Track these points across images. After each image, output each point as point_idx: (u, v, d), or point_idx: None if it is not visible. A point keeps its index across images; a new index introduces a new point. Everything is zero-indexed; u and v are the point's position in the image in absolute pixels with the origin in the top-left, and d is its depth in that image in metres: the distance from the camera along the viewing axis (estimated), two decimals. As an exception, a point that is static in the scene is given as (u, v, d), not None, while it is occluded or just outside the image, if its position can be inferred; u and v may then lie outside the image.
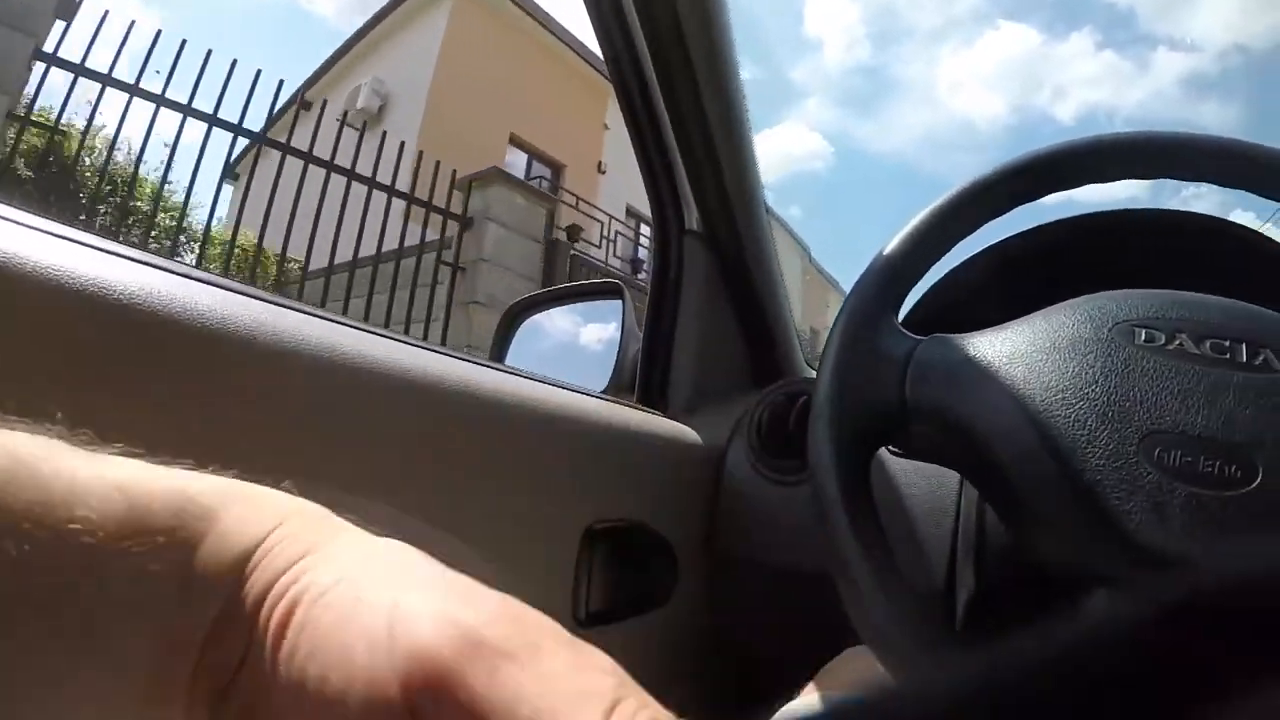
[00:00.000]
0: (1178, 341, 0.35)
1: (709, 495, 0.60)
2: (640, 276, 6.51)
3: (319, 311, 0.39)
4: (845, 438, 0.37)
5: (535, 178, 6.92)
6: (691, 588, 0.58)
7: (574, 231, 6.43)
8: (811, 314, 10.74)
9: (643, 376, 0.68)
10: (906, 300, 0.52)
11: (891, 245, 0.42)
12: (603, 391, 0.73)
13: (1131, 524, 0.31)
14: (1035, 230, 0.51)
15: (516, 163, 7.16)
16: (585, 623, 0.48)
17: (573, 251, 5.33)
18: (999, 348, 0.37)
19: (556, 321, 0.88)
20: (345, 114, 4.21)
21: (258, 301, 0.35)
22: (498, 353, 0.84)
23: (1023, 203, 0.42)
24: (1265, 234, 0.49)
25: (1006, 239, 0.51)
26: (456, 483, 0.40)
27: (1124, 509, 0.31)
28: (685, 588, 0.57)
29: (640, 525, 0.55)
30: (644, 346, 0.68)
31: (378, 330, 0.41)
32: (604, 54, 0.62)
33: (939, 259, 0.42)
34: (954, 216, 0.42)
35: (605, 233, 6.57)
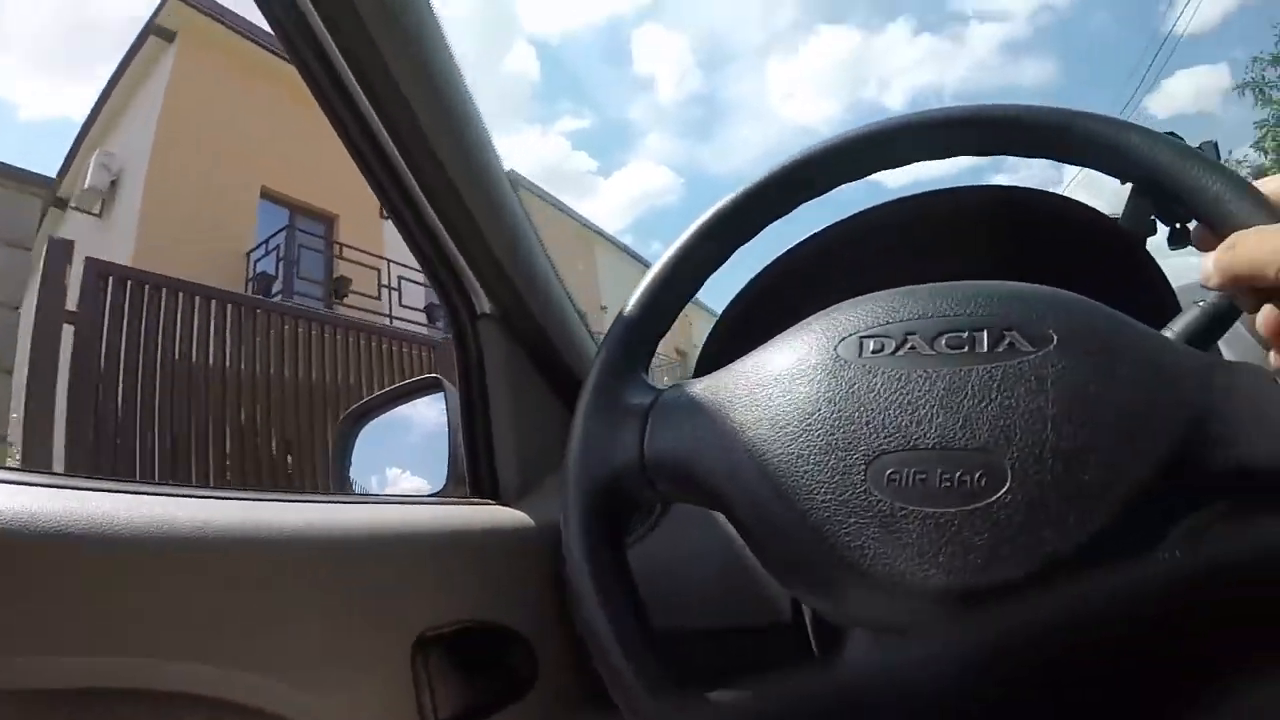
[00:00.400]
0: (909, 345, 0.32)
1: (553, 576, 0.59)
2: (441, 326, 6.18)
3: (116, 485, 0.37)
4: (592, 502, 0.36)
5: (300, 229, 6.25)
6: (554, 674, 0.58)
7: (342, 285, 5.87)
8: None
9: (470, 468, 0.66)
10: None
11: (632, 298, 0.41)
12: (442, 488, 0.71)
13: (865, 559, 0.29)
14: (794, 249, 0.51)
15: (273, 220, 6.44)
16: None
17: (89, 257, 3.65)
18: (732, 386, 0.35)
19: (423, 411, 0.84)
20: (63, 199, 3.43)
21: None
22: (338, 466, 0.82)
23: (769, 222, 0.41)
24: (1057, 195, 0.48)
25: (765, 267, 0.51)
26: (267, 632, 0.38)
27: (855, 544, 0.29)
28: (548, 676, 0.57)
29: (483, 623, 0.54)
30: (465, 438, 0.66)
31: (166, 489, 0.39)
32: (348, 149, 0.60)
33: (681, 305, 0.42)
34: (686, 257, 0.41)
35: (384, 280, 6.12)
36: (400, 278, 6.18)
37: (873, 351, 0.32)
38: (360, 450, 0.83)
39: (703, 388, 0.36)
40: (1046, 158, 0.37)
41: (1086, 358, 0.29)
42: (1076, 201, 0.47)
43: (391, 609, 0.46)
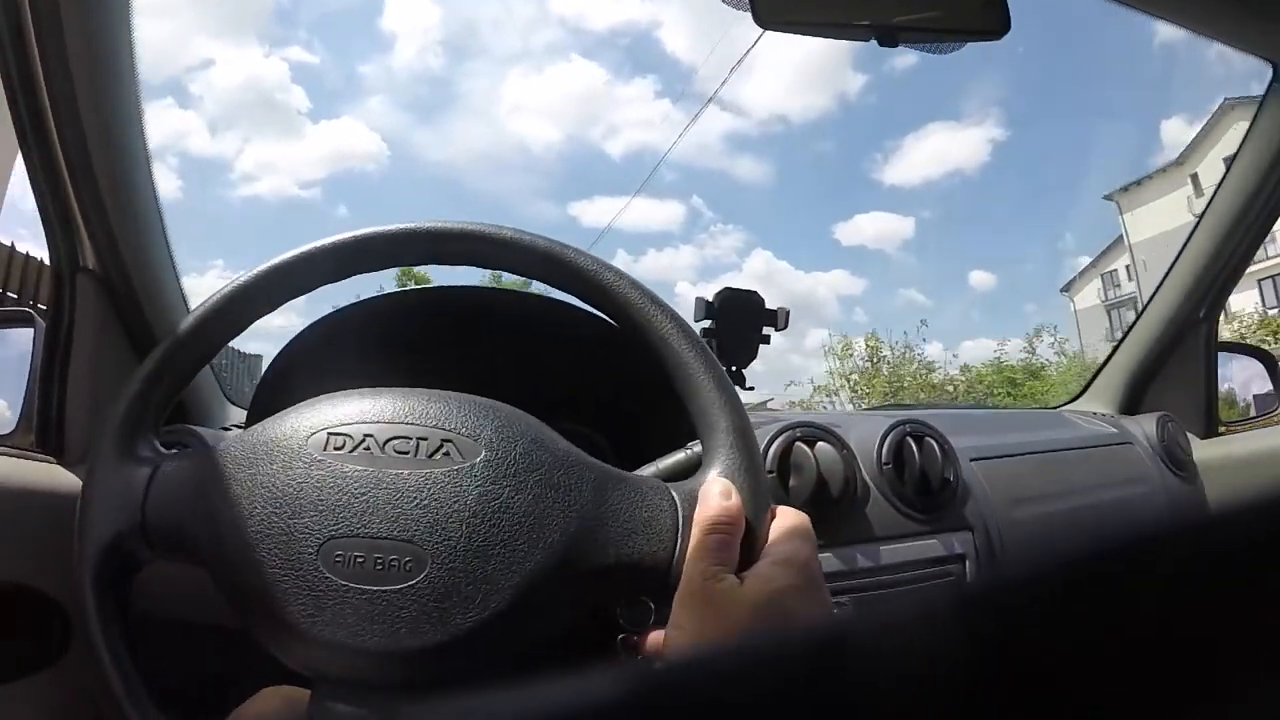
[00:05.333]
0: (365, 445, 0.36)
1: None
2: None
3: None
4: (99, 569, 0.38)
5: None
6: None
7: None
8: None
9: (39, 421, 0.64)
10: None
11: (153, 354, 0.42)
12: (10, 432, 0.67)
13: (313, 626, 0.34)
14: (349, 307, 0.55)
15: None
16: None
17: None
18: (235, 452, 0.38)
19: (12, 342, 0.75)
20: None
21: None
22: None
23: (303, 293, 0.43)
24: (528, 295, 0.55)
25: (327, 315, 0.55)
26: None
27: (306, 614, 0.34)
28: (81, 645, 0.57)
29: (17, 585, 0.53)
30: (39, 389, 0.64)
31: None
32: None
33: (200, 366, 0.44)
34: (216, 317, 0.42)
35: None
36: None
37: (335, 448, 0.36)
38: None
39: (214, 452, 0.39)
40: (542, 281, 0.43)
41: (505, 470, 0.35)
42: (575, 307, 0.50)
43: None
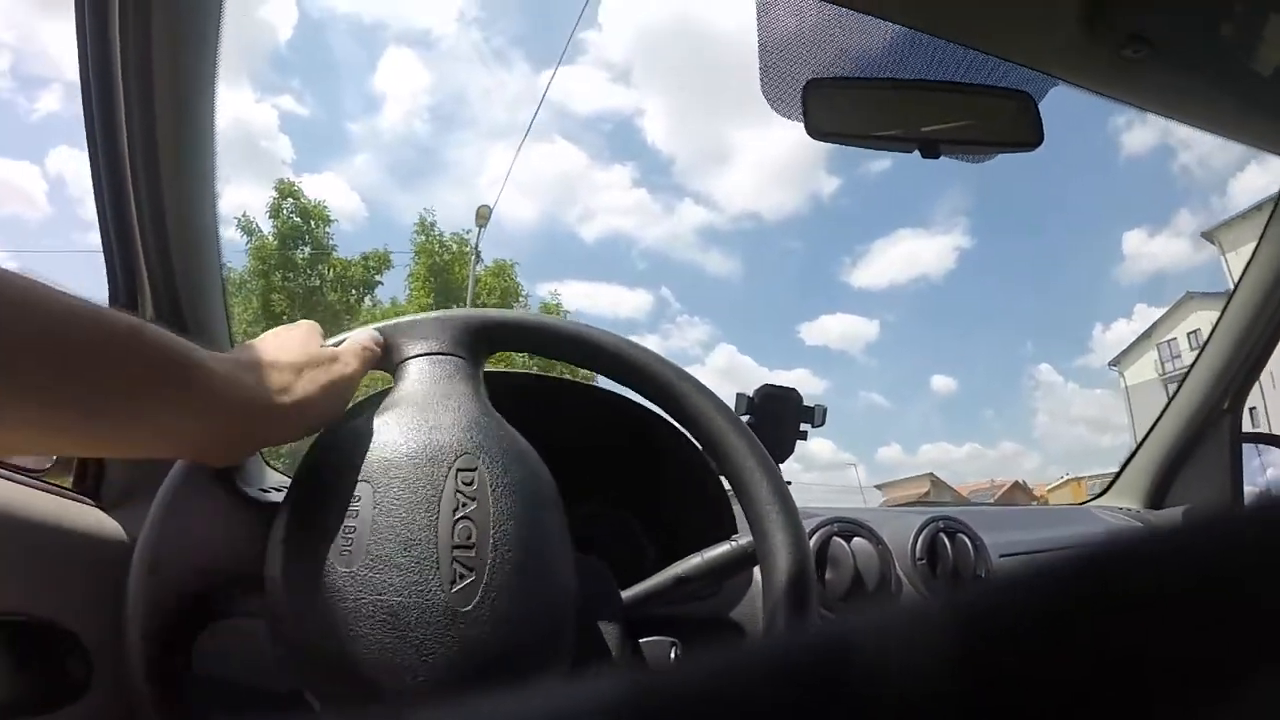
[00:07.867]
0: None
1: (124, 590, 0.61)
2: None
3: None
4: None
5: None
6: (110, 685, 0.58)
7: None
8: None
9: (78, 465, 0.65)
10: None
11: None
12: (49, 467, 0.68)
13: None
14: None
15: None
16: None
17: None
18: None
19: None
20: None
21: None
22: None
23: None
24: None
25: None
26: None
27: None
28: (103, 685, 0.57)
29: (47, 622, 0.54)
30: (82, 434, 0.65)
31: None
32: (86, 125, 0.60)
33: None
34: None
35: None
36: None
37: None
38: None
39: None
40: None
41: None
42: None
43: None
